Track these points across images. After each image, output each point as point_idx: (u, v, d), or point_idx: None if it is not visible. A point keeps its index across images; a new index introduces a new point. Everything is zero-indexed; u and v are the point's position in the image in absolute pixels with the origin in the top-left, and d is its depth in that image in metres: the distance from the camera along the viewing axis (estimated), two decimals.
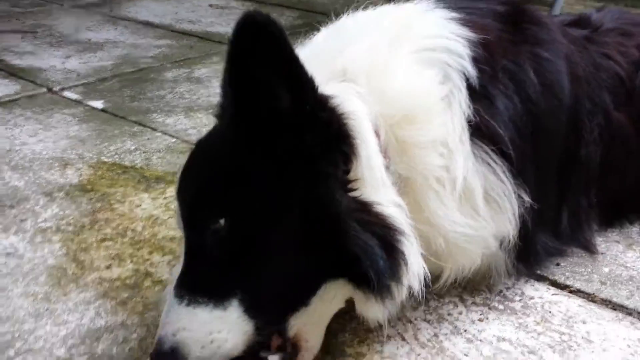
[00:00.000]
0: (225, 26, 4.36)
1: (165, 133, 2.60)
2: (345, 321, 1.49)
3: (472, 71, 1.39)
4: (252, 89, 1.18)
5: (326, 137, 1.22)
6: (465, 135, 1.36)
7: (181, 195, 1.32)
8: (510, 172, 1.41)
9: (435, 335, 1.49)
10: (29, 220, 1.93)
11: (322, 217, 1.21)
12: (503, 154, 1.40)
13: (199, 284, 1.22)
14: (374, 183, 1.26)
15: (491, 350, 1.44)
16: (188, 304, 1.21)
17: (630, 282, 1.69)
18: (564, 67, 1.60)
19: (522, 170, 1.44)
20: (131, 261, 1.74)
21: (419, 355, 1.42)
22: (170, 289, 1.42)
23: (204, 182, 1.27)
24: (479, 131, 1.38)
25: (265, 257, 1.22)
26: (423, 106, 1.33)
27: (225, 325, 1.20)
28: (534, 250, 1.62)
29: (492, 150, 1.39)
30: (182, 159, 2.27)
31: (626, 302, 1.61)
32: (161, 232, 1.87)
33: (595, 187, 1.79)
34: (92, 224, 1.91)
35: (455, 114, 1.36)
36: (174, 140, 2.53)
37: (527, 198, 1.44)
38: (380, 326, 1.47)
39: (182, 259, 1.29)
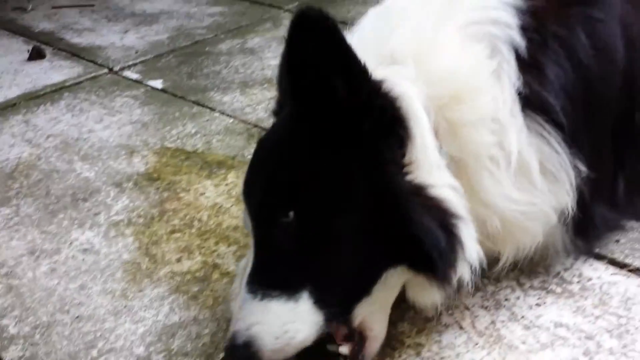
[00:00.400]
0: None
1: (223, 113, 2.66)
2: (403, 311, 1.54)
3: (520, 41, 1.37)
4: (310, 83, 1.22)
5: (382, 122, 1.26)
6: (517, 108, 1.36)
7: (249, 192, 1.38)
8: (565, 142, 1.39)
9: (493, 322, 1.53)
10: (102, 214, 2.05)
11: (384, 202, 1.25)
12: (556, 124, 1.39)
13: (271, 278, 1.29)
14: (428, 166, 1.28)
15: (548, 337, 1.47)
16: (262, 299, 1.27)
17: None
18: (618, 29, 1.55)
19: (576, 138, 1.42)
20: (199, 253, 1.83)
21: (476, 344, 1.47)
22: (237, 284, 1.52)
23: (270, 177, 1.33)
24: (530, 103, 1.37)
25: (333, 247, 1.28)
26: (471, 84, 1.33)
27: (298, 317, 1.26)
28: (592, 224, 1.60)
29: (545, 120, 1.38)
30: (241, 142, 2.39)
31: None
32: (225, 222, 1.95)
33: None
34: (161, 215, 2.01)
35: (505, 87, 1.35)
36: (231, 120, 2.60)
37: (583, 168, 1.42)
38: (439, 315, 1.53)
39: (250, 256, 1.36)
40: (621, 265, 1.68)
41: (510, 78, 1.35)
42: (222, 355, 1.48)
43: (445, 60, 1.34)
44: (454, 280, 1.32)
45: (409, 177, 1.27)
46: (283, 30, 3.48)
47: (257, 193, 1.35)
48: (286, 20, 3.70)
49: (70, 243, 1.92)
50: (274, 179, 1.32)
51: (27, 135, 2.60)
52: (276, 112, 1.60)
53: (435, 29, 1.37)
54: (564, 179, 1.41)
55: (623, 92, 1.59)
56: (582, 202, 1.48)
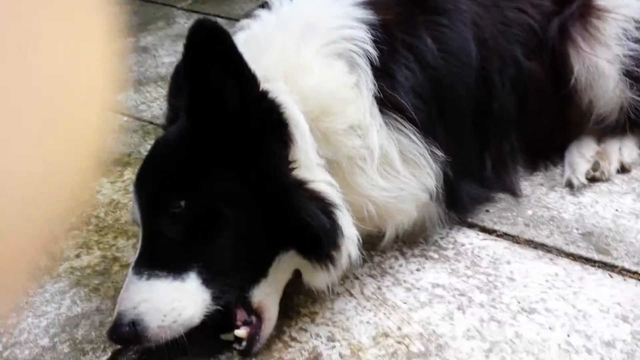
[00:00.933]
0: None
1: (116, 111, 2.68)
2: (299, 285, 1.66)
3: (373, 52, 1.55)
4: (205, 85, 1.35)
5: (269, 122, 1.40)
6: (375, 110, 1.54)
7: (141, 184, 1.47)
8: (420, 133, 1.59)
9: (379, 287, 1.68)
10: None
11: (271, 192, 1.39)
12: (409, 119, 1.58)
13: (158, 261, 1.38)
14: (309, 164, 1.45)
15: (427, 297, 1.64)
16: (148, 278, 1.36)
17: (551, 222, 1.90)
18: (469, 32, 1.77)
19: (430, 129, 1.62)
20: (98, 248, 1.88)
21: (364, 307, 1.62)
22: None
23: (165, 169, 1.44)
24: (385, 104, 1.56)
25: (220, 232, 1.39)
26: (336, 98, 1.51)
27: (185, 295, 1.35)
28: (459, 198, 1.82)
29: (400, 117, 1.57)
30: (136, 139, 2.43)
31: (546, 241, 1.82)
32: (123, 217, 2.00)
33: (515, 132, 1.99)
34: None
35: (365, 95, 1.53)
36: (125, 118, 2.63)
37: (440, 153, 1.63)
38: (332, 286, 1.67)
39: (139, 246, 1.44)
40: (490, 232, 1.88)
41: (367, 86, 1.53)
42: None
43: (311, 78, 1.50)
44: (337, 262, 1.48)
45: (293, 173, 1.42)
46: (177, 29, 3.56)
47: (150, 184, 1.44)
48: (179, 19, 3.75)
49: None
50: (169, 170, 1.43)
51: None
52: (165, 127, 1.72)
53: (297, 51, 1.53)
54: (424, 164, 1.60)
55: (480, 85, 1.81)
56: (449, 180, 1.69)
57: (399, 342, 1.50)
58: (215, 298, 1.38)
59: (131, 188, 2.11)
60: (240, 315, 1.45)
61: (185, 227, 1.37)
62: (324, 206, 1.42)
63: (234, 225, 1.39)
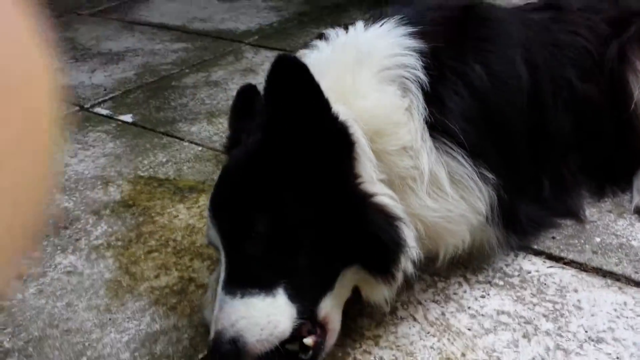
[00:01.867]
0: (235, 21, 4.56)
1: (191, 142, 2.83)
2: (363, 307, 1.71)
3: (424, 79, 1.63)
4: (284, 112, 1.46)
5: (342, 142, 1.51)
6: (426, 134, 1.61)
7: (218, 209, 1.55)
8: (469, 156, 1.64)
9: (443, 313, 1.71)
10: (83, 239, 2.19)
11: (343, 207, 1.48)
12: (458, 143, 1.64)
13: (247, 279, 1.45)
14: (371, 180, 1.54)
15: (492, 324, 1.66)
16: (242, 297, 1.43)
17: (619, 250, 1.88)
18: (517, 55, 1.82)
19: (479, 152, 1.67)
20: (176, 269, 1.99)
21: (428, 333, 1.65)
22: (209, 294, 1.68)
23: (244, 191, 1.52)
24: (435, 128, 1.63)
25: (302, 248, 1.47)
26: (389, 121, 1.59)
27: (277, 310, 1.43)
28: (517, 220, 1.84)
29: (450, 141, 1.63)
30: (210, 167, 2.56)
31: (615, 269, 1.81)
32: (199, 240, 2.11)
33: (573, 154, 2.00)
34: (138, 238, 2.16)
35: (416, 119, 1.60)
36: (200, 148, 2.77)
37: (490, 175, 1.67)
38: (395, 310, 1.72)
39: (221, 267, 1.51)
40: (557, 259, 1.88)
41: (419, 111, 1.61)
42: (201, 355, 1.64)
43: (366, 102, 1.60)
44: (399, 275, 1.54)
45: (361, 187, 1.50)
46: (245, 63, 3.73)
47: (230, 206, 1.53)
48: (247, 53, 3.92)
49: (55, 266, 2.05)
50: (248, 191, 1.51)
51: None
52: (228, 148, 1.83)
53: (353, 77, 1.63)
54: (472, 186, 1.64)
55: (532, 108, 1.85)
56: (504, 203, 1.72)
57: None
58: (299, 312, 1.46)
59: (206, 212, 2.24)
60: (305, 326, 1.52)
61: (268, 244, 1.45)
62: (389, 218, 1.50)
63: (313, 240, 1.47)
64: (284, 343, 1.49)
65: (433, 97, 1.63)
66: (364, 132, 1.55)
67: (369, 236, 1.47)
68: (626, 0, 2.25)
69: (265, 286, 1.44)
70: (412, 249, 1.52)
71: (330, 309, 1.53)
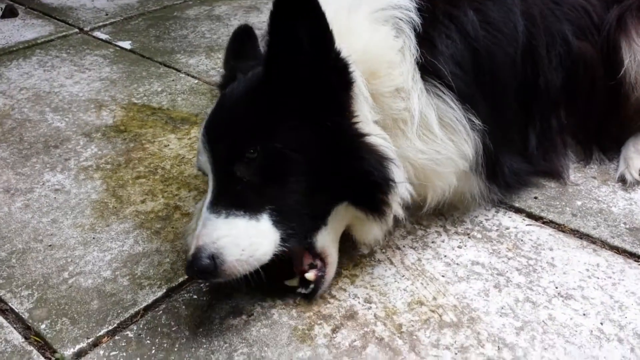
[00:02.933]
0: None
1: (188, 74, 2.82)
2: (343, 248, 1.74)
3: (417, 19, 1.64)
4: (288, 38, 1.45)
5: (344, 79, 1.51)
6: (417, 76, 1.63)
7: (213, 133, 1.55)
8: (458, 100, 1.66)
9: (419, 259, 1.75)
10: (72, 160, 2.20)
11: (338, 141, 1.50)
12: (448, 86, 1.65)
13: (234, 201, 1.47)
14: (366, 120, 1.56)
15: (465, 272, 1.70)
16: (226, 217, 1.45)
17: (599, 215, 1.91)
18: (516, 7, 1.83)
19: (468, 97, 1.68)
20: (162, 196, 2.01)
21: (403, 276, 1.69)
22: (193, 222, 1.71)
23: (240, 118, 1.53)
24: (426, 69, 1.64)
25: (291, 177, 1.50)
26: (383, 61, 1.60)
27: (260, 233, 1.46)
28: (500, 171, 1.87)
29: (439, 83, 1.65)
30: (204, 101, 2.56)
31: (592, 232, 1.84)
32: (187, 170, 2.13)
33: (563, 110, 2.02)
34: (127, 163, 2.18)
35: (407, 60, 1.62)
36: (196, 81, 2.76)
37: (477, 121, 1.69)
38: (374, 253, 1.75)
39: (209, 190, 1.53)
40: (536, 218, 1.91)
41: (410, 51, 1.62)
42: (181, 279, 1.68)
43: (360, 42, 1.60)
44: (389, 216, 1.57)
45: (356, 125, 1.52)
46: (249, 1, 3.65)
47: (225, 132, 1.53)
48: None
49: (43, 183, 2.08)
50: (244, 119, 1.52)
51: (1, 87, 2.72)
52: (222, 86, 1.83)
53: (348, 16, 1.62)
54: (460, 129, 1.67)
55: (526, 59, 1.86)
56: (489, 152, 1.74)
57: (433, 311, 1.57)
58: (282, 240, 1.49)
59: (196, 145, 2.25)
60: (307, 259, 1.56)
61: (259, 171, 1.47)
62: (381, 158, 1.52)
63: (304, 171, 1.49)
64: (283, 278, 1.54)
65: (424, 39, 1.64)
66: (360, 72, 1.56)
67: (360, 173, 1.50)
68: None
69: (251, 209, 1.46)
70: (402, 188, 1.55)
71: (326, 242, 1.58)
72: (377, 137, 1.54)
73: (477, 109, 1.69)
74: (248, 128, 1.51)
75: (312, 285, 1.56)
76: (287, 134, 1.49)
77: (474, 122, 1.68)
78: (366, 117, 1.55)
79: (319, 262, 1.57)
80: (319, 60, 1.47)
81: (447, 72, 1.64)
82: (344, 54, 1.50)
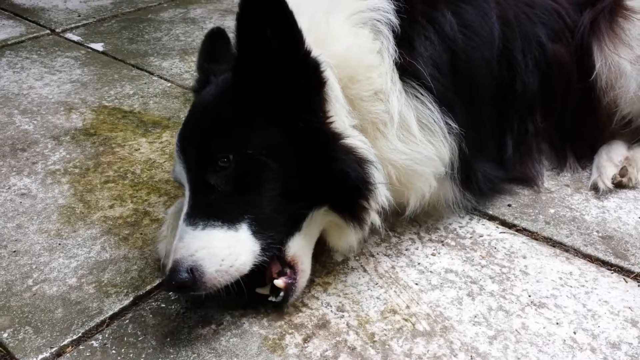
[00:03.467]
0: None
1: (161, 77, 2.78)
2: (316, 255, 1.72)
3: (395, 20, 1.63)
4: (256, 41, 1.43)
5: (313, 79, 1.48)
6: (396, 77, 1.62)
7: (186, 142, 1.53)
8: (435, 102, 1.65)
9: (393, 267, 1.73)
10: (40, 163, 2.15)
11: (313, 144, 1.47)
12: (426, 87, 1.64)
13: (211, 212, 1.44)
14: (342, 122, 1.53)
15: (439, 280, 1.68)
16: (204, 228, 1.42)
17: (572, 223, 1.91)
18: (491, 11, 1.83)
19: (445, 100, 1.67)
20: (131, 201, 1.97)
21: (376, 284, 1.67)
22: (165, 228, 1.67)
23: (211, 126, 1.50)
24: (405, 70, 1.63)
25: (267, 184, 1.46)
26: (362, 65, 1.59)
27: (239, 243, 1.43)
28: (474, 176, 1.86)
29: (418, 84, 1.64)
30: (177, 104, 2.52)
31: (565, 240, 1.84)
32: (158, 175, 2.09)
33: (539, 114, 2.02)
34: (96, 167, 2.13)
35: (386, 61, 1.60)
36: (169, 84, 2.72)
37: (454, 124, 1.68)
38: (347, 260, 1.73)
39: (185, 201, 1.50)
40: (510, 225, 1.91)
41: (389, 52, 1.60)
42: (149, 287, 1.64)
43: (339, 46, 1.58)
44: (367, 221, 1.55)
45: (332, 126, 1.50)
46: (226, 4, 3.64)
47: (197, 140, 1.51)
48: None
49: (9, 188, 2.02)
50: (215, 126, 1.49)
51: None
52: (196, 90, 1.79)
53: (327, 20, 1.60)
54: (438, 131, 1.66)
55: (502, 63, 1.86)
56: (464, 158, 1.74)
57: (406, 320, 1.55)
58: (262, 250, 1.46)
59: (168, 149, 2.22)
60: (275, 267, 1.52)
61: (233, 179, 1.44)
62: (360, 160, 1.49)
63: (279, 177, 1.46)
64: (254, 286, 1.49)
65: (403, 40, 1.63)
66: (338, 77, 1.53)
67: (337, 175, 1.47)
68: None
69: (229, 219, 1.43)
70: (381, 192, 1.53)
71: (298, 249, 1.54)
72: (354, 139, 1.52)
73: (454, 112, 1.69)
74: (219, 136, 1.47)
75: (282, 293, 1.53)
76: (259, 139, 1.46)
77: (450, 125, 1.67)
78: (342, 119, 1.53)
79: (288, 270, 1.53)
80: (288, 60, 1.44)
81: (425, 73, 1.63)
82: (314, 54, 1.47)
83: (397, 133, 1.60)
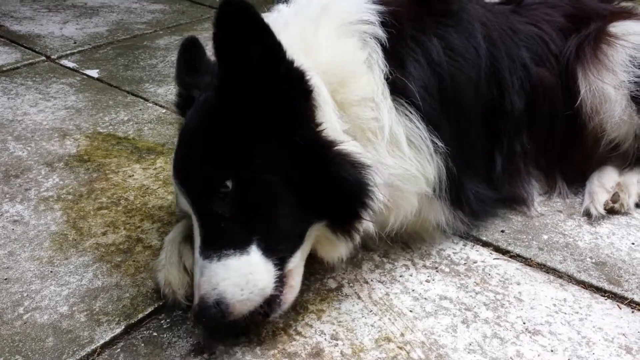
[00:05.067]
0: None
1: (156, 103, 2.79)
2: (310, 283, 1.72)
3: (382, 34, 1.66)
4: (236, 61, 1.42)
5: (299, 88, 1.48)
6: (386, 91, 1.64)
7: (183, 172, 1.52)
8: (423, 120, 1.67)
9: (387, 294, 1.72)
10: (33, 190, 2.14)
11: (308, 154, 1.47)
12: (415, 106, 1.66)
13: (221, 242, 1.44)
14: (334, 128, 1.54)
15: (433, 307, 1.68)
16: (219, 259, 1.43)
17: (565, 249, 1.91)
18: (477, 32, 1.86)
19: (433, 120, 1.69)
20: (124, 228, 1.96)
21: (370, 311, 1.66)
22: (163, 256, 1.67)
23: (204, 154, 1.49)
24: (396, 87, 1.65)
25: (270, 201, 1.47)
26: (350, 70, 1.61)
27: (254, 267, 1.44)
28: (464, 196, 1.86)
29: (407, 102, 1.66)
30: (172, 130, 2.52)
31: (559, 266, 1.84)
32: (151, 202, 2.09)
33: (526, 134, 2.03)
34: (89, 193, 2.13)
35: (376, 73, 1.63)
36: (164, 111, 2.73)
37: (440, 143, 1.70)
38: (341, 287, 1.72)
39: (195, 232, 1.50)
40: (503, 252, 1.91)
41: (379, 65, 1.63)
42: (141, 315, 1.62)
43: (328, 53, 1.61)
44: (360, 230, 1.56)
45: (324, 134, 1.50)
46: None
47: (193, 172, 1.50)
48: None
49: (1, 215, 2.01)
50: (208, 153, 1.48)
51: None
52: (180, 106, 1.77)
53: (315, 30, 1.64)
54: (424, 150, 1.68)
55: (490, 82, 1.89)
56: (452, 176, 1.75)
57: (400, 348, 1.54)
58: (276, 265, 1.46)
59: (162, 175, 2.21)
60: None
61: (237, 204, 1.44)
62: (356, 165, 1.50)
63: (281, 193, 1.46)
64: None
65: (392, 56, 1.66)
66: (327, 82, 1.55)
67: (337, 182, 1.47)
68: (590, 1, 2.29)
69: (239, 245, 1.44)
70: (377, 199, 1.53)
71: (295, 263, 1.54)
72: (349, 144, 1.52)
73: (441, 131, 1.70)
74: (214, 163, 1.47)
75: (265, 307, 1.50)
76: (254, 158, 1.46)
77: (437, 144, 1.68)
78: (334, 124, 1.53)
79: (278, 282, 1.50)
80: (271, 73, 1.43)
81: (415, 92, 1.65)
82: (297, 63, 1.47)
83: (387, 147, 1.61)
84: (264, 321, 1.56)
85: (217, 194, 1.44)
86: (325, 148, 1.48)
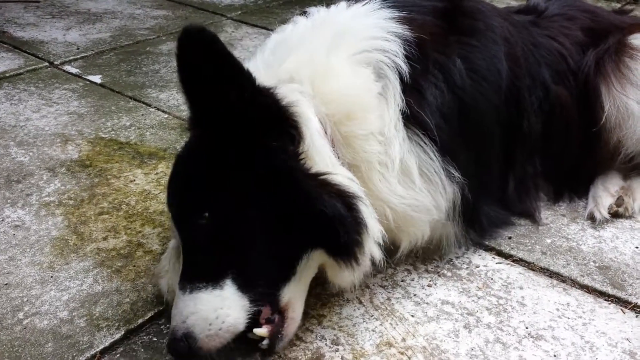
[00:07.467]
0: None
1: (158, 109, 2.79)
2: (311, 287, 1.70)
3: (404, 67, 1.59)
4: (199, 88, 1.38)
5: (268, 116, 1.42)
6: (400, 124, 1.58)
7: (170, 201, 1.52)
8: (439, 152, 1.63)
9: (389, 299, 1.71)
10: (34, 195, 2.14)
11: (284, 186, 1.40)
12: (431, 138, 1.62)
13: (197, 273, 1.41)
14: (322, 159, 1.46)
15: (435, 312, 1.66)
16: (191, 292, 1.39)
17: (568, 253, 1.90)
18: (499, 50, 1.82)
19: (450, 150, 1.65)
20: (125, 233, 1.96)
21: (372, 316, 1.65)
22: (165, 262, 1.66)
23: (184, 186, 1.47)
24: (411, 120, 1.60)
25: (247, 237, 1.42)
26: (360, 104, 1.55)
27: (225, 302, 1.39)
28: (477, 219, 1.85)
29: (423, 134, 1.61)
30: (174, 136, 2.52)
31: (562, 270, 1.83)
32: (152, 207, 2.08)
33: (539, 155, 2.02)
34: (90, 198, 2.13)
35: (390, 106, 1.57)
36: (166, 116, 2.73)
37: (457, 174, 1.66)
38: (342, 292, 1.71)
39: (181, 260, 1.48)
40: (506, 256, 1.90)
41: (395, 98, 1.57)
42: (140, 320, 1.62)
43: (337, 83, 1.54)
44: (364, 259, 1.48)
45: (305, 166, 1.43)
46: (223, 37, 3.67)
47: (177, 200, 1.49)
48: (227, 27, 3.87)
49: (2, 220, 2.01)
50: (188, 187, 1.46)
51: None
52: (189, 129, 1.74)
53: (327, 56, 1.57)
54: (437, 181, 1.63)
55: (509, 102, 1.85)
56: (466, 202, 1.71)
57: (402, 353, 1.53)
58: (253, 301, 1.41)
59: (163, 180, 2.21)
60: (265, 313, 1.46)
61: (212, 236, 1.40)
62: (343, 196, 1.42)
63: (258, 226, 1.41)
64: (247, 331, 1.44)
65: (412, 88, 1.60)
66: (330, 113, 1.50)
67: (315, 214, 1.39)
68: (606, 13, 2.27)
69: (212, 278, 1.40)
70: (374, 230, 1.47)
71: (293, 294, 1.49)
72: (337, 175, 1.45)
73: (458, 160, 1.66)
74: (193, 194, 1.44)
75: (266, 341, 1.46)
76: (232, 191, 1.41)
77: (453, 174, 1.64)
78: (323, 157, 1.46)
79: (276, 317, 1.47)
80: (234, 100, 1.37)
81: (432, 124, 1.60)
82: (272, 90, 1.43)
83: (397, 177, 1.57)
84: (267, 354, 1.52)
85: (196, 225, 1.40)
86: (301, 178, 1.41)
